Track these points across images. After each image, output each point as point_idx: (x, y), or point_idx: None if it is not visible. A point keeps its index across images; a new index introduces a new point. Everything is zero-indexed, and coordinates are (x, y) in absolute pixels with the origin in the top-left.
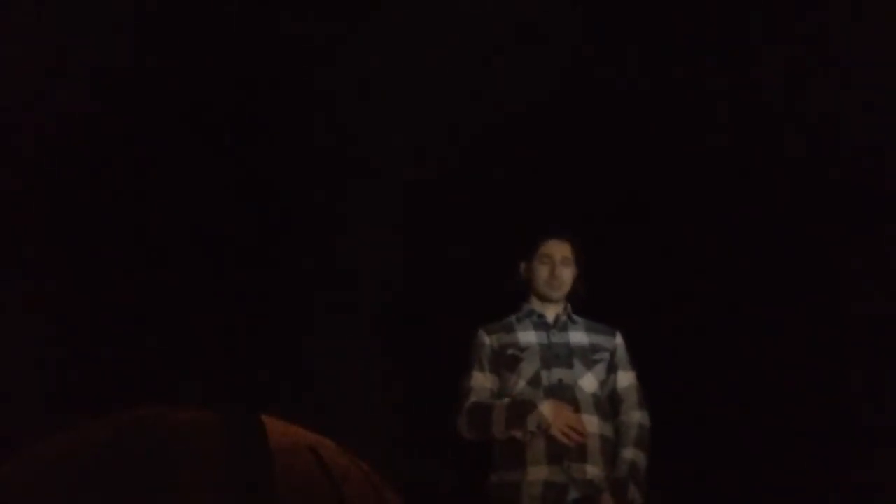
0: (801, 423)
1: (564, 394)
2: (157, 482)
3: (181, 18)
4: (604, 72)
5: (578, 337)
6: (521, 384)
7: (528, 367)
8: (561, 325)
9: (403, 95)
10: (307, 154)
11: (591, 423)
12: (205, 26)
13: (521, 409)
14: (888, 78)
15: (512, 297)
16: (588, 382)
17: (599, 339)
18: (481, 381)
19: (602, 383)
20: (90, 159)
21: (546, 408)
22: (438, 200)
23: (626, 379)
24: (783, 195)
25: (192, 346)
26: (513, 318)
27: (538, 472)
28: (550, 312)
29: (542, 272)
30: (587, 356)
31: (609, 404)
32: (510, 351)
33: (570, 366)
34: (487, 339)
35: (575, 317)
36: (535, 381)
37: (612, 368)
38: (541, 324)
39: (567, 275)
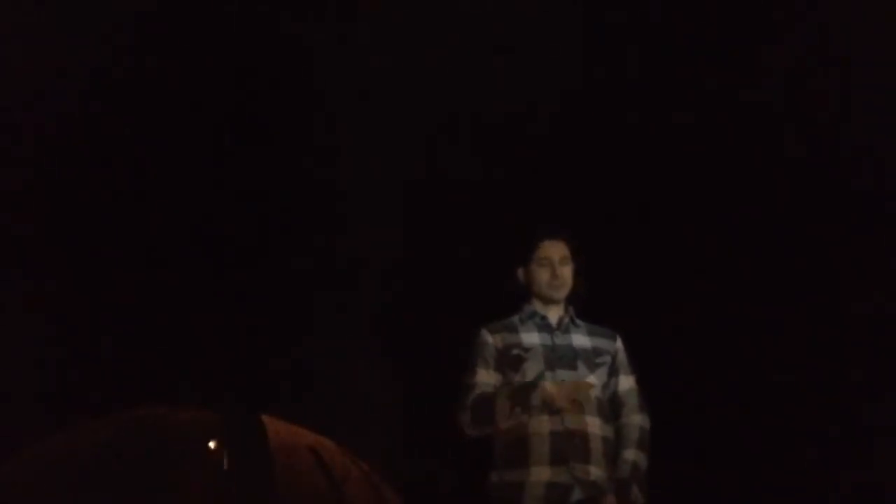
0: (800, 423)
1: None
2: (157, 482)
3: (181, 18)
4: (603, 72)
5: (581, 340)
6: (524, 385)
7: (533, 368)
8: (564, 328)
9: (403, 96)
10: (307, 154)
11: (594, 424)
12: (205, 26)
13: (524, 390)
14: (888, 78)
15: (512, 298)
16: None
17: (601, 343)
18: (485, 378)
19: (604, 386)
20: (90, 159)
21: (549, 384)
22: (438, 201)
23: (626, 382)
24: (783, 195)
25: (192, 346)
26: (515, 318)
27: (541, 473)
28: (553, 314)
29: (542, 275)
30: (590, 359)
31: (609, 407)
32: (514, 351)
33: (573, 368)
34: (491, 339)
35: (577, 320)
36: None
37: (613, 372)
38: (544, 325)
39: (568, 274)
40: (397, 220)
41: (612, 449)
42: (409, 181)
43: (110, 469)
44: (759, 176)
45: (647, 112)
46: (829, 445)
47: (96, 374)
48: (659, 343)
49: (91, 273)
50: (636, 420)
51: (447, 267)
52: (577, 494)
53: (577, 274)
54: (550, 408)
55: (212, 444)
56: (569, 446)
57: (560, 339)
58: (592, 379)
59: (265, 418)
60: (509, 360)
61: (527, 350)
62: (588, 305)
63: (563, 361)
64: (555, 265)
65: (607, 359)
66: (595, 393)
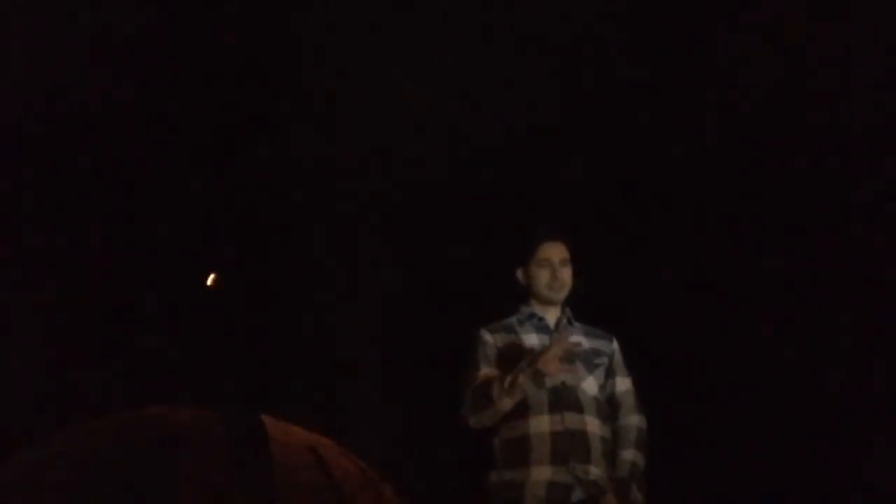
0: (800, 423)
1: (568, 396)
2: (157, 482)
3: (182, 18)
4: (604, 73)
5: (579, 341)
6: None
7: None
8: (562, 329)
9: (404, 96)
10: (308, 154)
11: (593, 424)
12: (205, 26)
13: (518, 367)
14: (888, 78)
15: (511, 299)
16: (589, 385)
17: (598, 344)
18: (487, 374)
19: (601, 387)
20: (90, 159)
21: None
22: (439, 201)
23: (623, 384)
24: (783, 196)
25: (192, 346)
26: (513, 319)
27: (542, 473)
28: (551, 316)
29: (542, 276)
30: (588, 360)
31: (607, 407)
32: (515, 352)
33: (573, 369)
34: (491, 338)
35: (574, 321)
36: (538, 383)
37: (610, 373)
38: (542, 327)
39: (567, 275)
40: (398, 221)
41: (611, 449)
42: (409, 182)
43: (110, 469)
44: (759, 176)
45: (648, 113)
46: (828, 445)
47: (96, 374)
48: (657, 344)
49: (91, 273)
50: (634, 421)
51: (448, 267)
52: (577, 494)
53: (575, 275)
54: (539, 371)
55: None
56: (569, 446)
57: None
58: (591, 382)
59: (265, 418)
60: (510, 361)
61: (526, 351)
62: (586, 306)
63: (561, 362)
64: (555, 267)
65: (604, 360)
66: (593, 393)
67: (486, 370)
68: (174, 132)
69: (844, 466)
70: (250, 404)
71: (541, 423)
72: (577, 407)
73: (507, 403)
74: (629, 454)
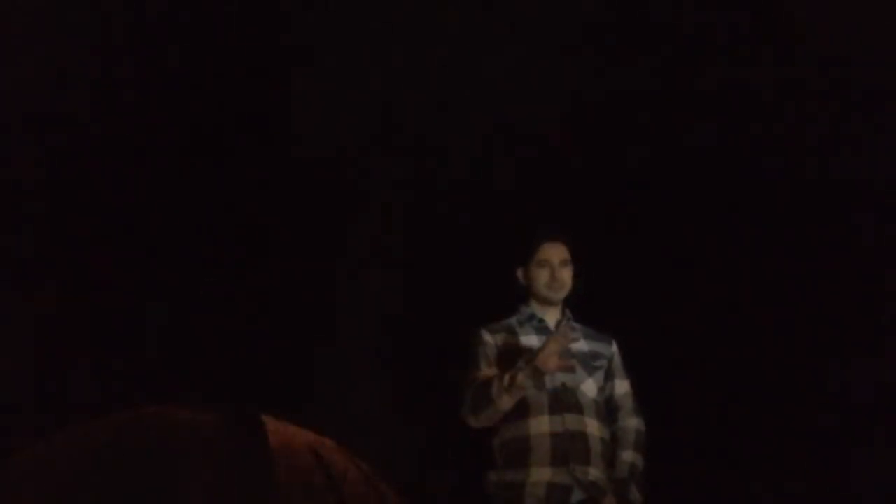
0: (799, 423)
1: (568, 397)
2: (157, 482)
3: (182, 18)
4: (604, 74)
5: (579, 343)
6: (525, 385)
7: None
8: (560, 328)
9: (404, 97)
10: (308, 155)
11: (593, 426)
12: (206, 27)
13: (515, 368)
14: (888, 77)
15: (511, 299)
16: (589, 387)
17: (598, 347)
18: (487, 373)
19: (601, 389)
20: (90, 159)
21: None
22: (439, 202)
23: (622, 386)
24: (783, 197)
25: (192, 346)
26: (513, 320)
27: (542, 474)
28: (551, 317)
29: (542, 276)
30: (588, 362)
31: (606, 410)
32: (514, 353)
33: (572, 370)
34: (491, 339)
35: (574, 323)
36: (538, 384)
37: (609, 376)
38: (542, 328)
39: (567, 276)
40: (398, 221)
41: (610, 450)
42: (409, 182)
43: (110, 469)
44: (759, 177)
45: (648, 112)
46: (828, 446)
47: (96, 374)
48: (656, 345)
49: (91, 273)
50: (632, 423)
51: (448, 267)
52: (577, 495)
53: (575, 276)
54: (538, 370)
55: None
56: (569, 447)
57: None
58: (590, 384)
59: (265, 418)
60: (510, 362)
61: (527, 352)
62: (586, 308)
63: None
64: (554, 267)
65: (604, 363)
66: (592, 395)
67: (485, 370)
68: (174, 132)
69: (844, 466)
70: (250, 404)
71: (541, 425)
72: (577, 409)
73: (506, 402)
74: (628, 455)
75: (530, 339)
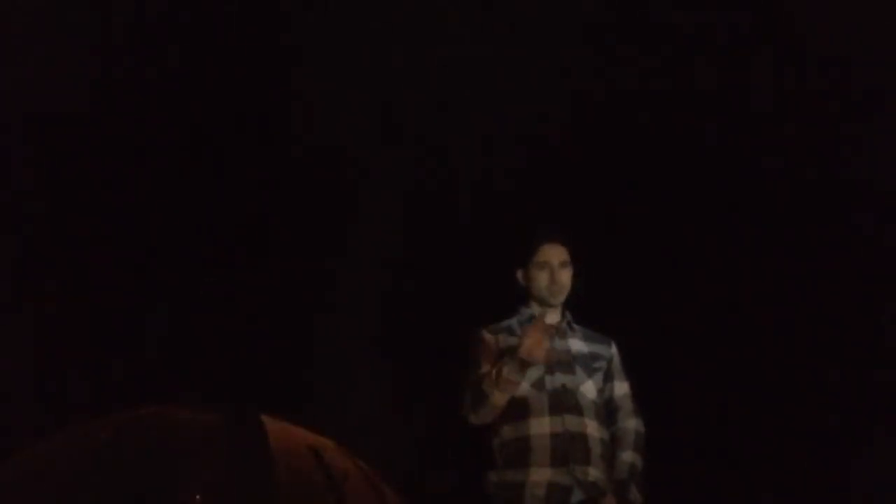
0: (798, 423)
1: (567, 398)
2: (157, 482)
3: (182, 17)
4: (603, 76)
5: (578, 345)
6: (524, 387)
7: (533, 371)
8: (561, 332)
9: (404, 98)
10: (309, 155)
11: (593, 427)
12: (206, 26)
13: (502, 362)
14: (888, 78)
15: (511, 300)
16: (589, 389)
17: (597, 348)
18: (487, 371)
19: (600, 390)
20: (90, 159)
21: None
22: (439, 202)
23: (621, 388)
24: (782, 197)
25: (193, 346)
26: (513, 321)
27: (542, 474)
28: (550, 318)
29: (541, 278)
30: (588, 364)
31: (605, 411)
32: (513, 353)
33: (572, 372)
34: (492, 338)
35: (573, 325)
36: (539, 385)
37: (608, 377)
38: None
39: (566, 278)
40: (398, 222)
41: (609, 451)
42: (409, 183)
43: (110, 469)
44: (759, 177)
45: (648, 114)
46: (827, 446)
47: (96, 374)
48: (655, 346)
49: (91, 273)
50: (632, 424)
51: (448, 268)
52: (577, 495)
53: (575, 277)
54: (523, 361)
55: None
56: (569, 448)
57: (558, 344)
58: (590, 385)
59: (265, 418)
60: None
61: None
62: (586, 310)
63: (561, 365)
64: (554, 269)
65: (603, 364)
66: (592, 397)
67: (486, 369)
68: (173, 132)
69: (844, 466)
70: (250, 404)
71: (541, 425)
72: (577, 410)
73: (499, 398)
74: (628, 456)
75: None
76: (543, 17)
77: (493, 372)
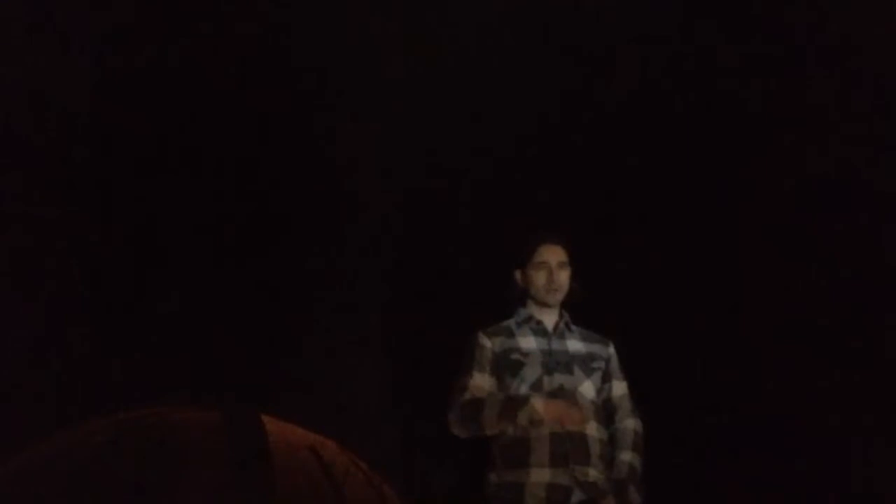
0: (797, 423)
1: (566, 399)
2: (157, 482)
3: (182, 17)
4: (601, 76)
5: (576, 345)
6: (523, 388)
7: (531, 372)
8: (559, 333)
9: (403, 98)
10: (308, 155)
11: (591, 427)
12: (207, 25)
13: (514, 404)
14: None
15: (510, 301)
16: (587, 389)
17: (595, 349)
18: (479, 382)
19: (598, 391)
20: (90, 158)
21: (538, 402)
22: (439, 203)
23: (619, 388)
24: (781, 198)
25: (193, 346)
26: (511, 322)
27: (542, 474)
28: (548, 319)
29: (539, 279)
30: (586, 364)
31: (603, 411)
32: (513, 355)
33: (570, 372)
34: (488, 342)
35: (571, 325)
36: (537, 386)
37: (606, 377)
38: (540, 330)
39: (564, 279)
40: (398, 221)
41: (608, 451)
42: (409, 183)
43: (110, 469)
44: (758, 177)
45: (646, 115)
46: (827, 445)
47: (96, 374)
48: (654, 346)
49: (91, 273)
50: (630, 424)
51: (447, 268)
52: (577, 496)
53: (573, 279)
54: (537, 425)
55: None
56: (569, 448)
57: (556, 344)
58: (588, 385)
59: (265, 418)
60: (508, 365)
61: (525, 355)
62: (584, 310)
63: (559, 366)
64: (552, 269)
65: (601, 364)
66: (590, 397)
67: (477, 377)
68: (175, 132)
69: (844, 467)
70: (250, 404)
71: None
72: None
73: (494, 430)
74: (627, 456)
75: (528, 342)
76: (544, 18)
77: (504, 423)
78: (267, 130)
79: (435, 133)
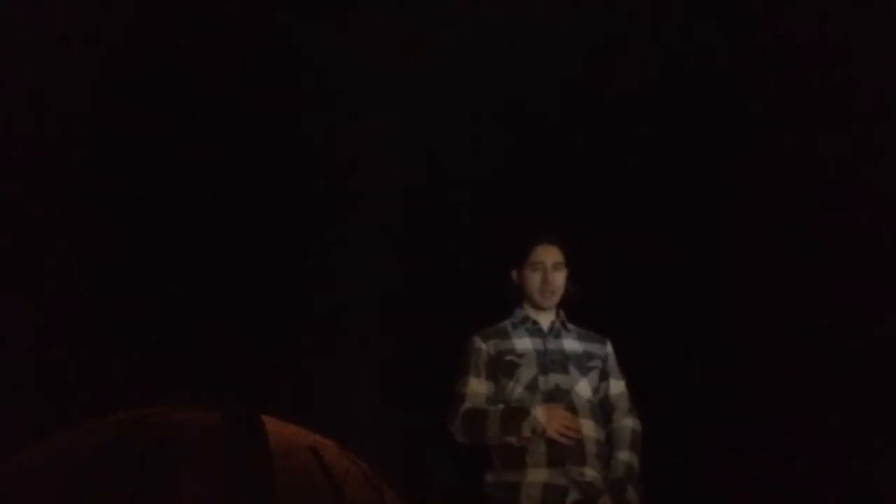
0: (797, 422)
1: (562, 399)
2: (157, 482)
3: (182, 17)
4: (600, 77)
5: (572, 344)
6: (518, 389)
7: (526, 373)
8: (555, 333)
9: (402, 99)
10: (307, 155)
11: (588, 426)
12: (206, 24)
13: (516, 416)
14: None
15: (507, 302)
16: (583, 388)
17: (592, 347)
18: (476, 387)
19: (595, 390)
20: (89, 157)
21: (539, 412)
22: (439, 203)
23: (617, 386)
24: (780, 198)
25: (193, 346)
26: (507, 323)
27: (538, 475)
28: (544, 319)
29: (534, 279)
30: (582, 363)
31: (601, 410)
32: (508, 357)
33: (566, 372)
34: (483, 345)
35: (568, 324)
36: (532, 387)
37: (603, 376)
38: (535, 331)
39: (559, 280)
40: (398, 221)
41: (605, 451)
42: (409, 183)
43: (110, 469)
44: (757, 178)
45: (646, 115)
46: (825, 446)
47: (96, 374)
48: (653, 345)
49: (91, 273)
50: (628, 423)
51: (447, 268)
52: (573, 496)
53: (570, 280)
54: (540, 436)
55: None
56: (565, 448)
57: (552, 344)
58: (584, 385)
59: (265, 418)
60: (503, 366)
61: (520, 356)
62: (581, 309)
63: (555, 366)
64: (547, 270)
65: (598, 363)
66: (586, 396)
67: (474, 383)
68: (174, 132)
69: (844, 467)
70: (250, 404)
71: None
72: (572, 410)
73: (497, 440)
74: (624, 455)
75: (524, 342)
76: (542, 16)
77: (507, 437)
78: (267, 130)
79: (435, 133)
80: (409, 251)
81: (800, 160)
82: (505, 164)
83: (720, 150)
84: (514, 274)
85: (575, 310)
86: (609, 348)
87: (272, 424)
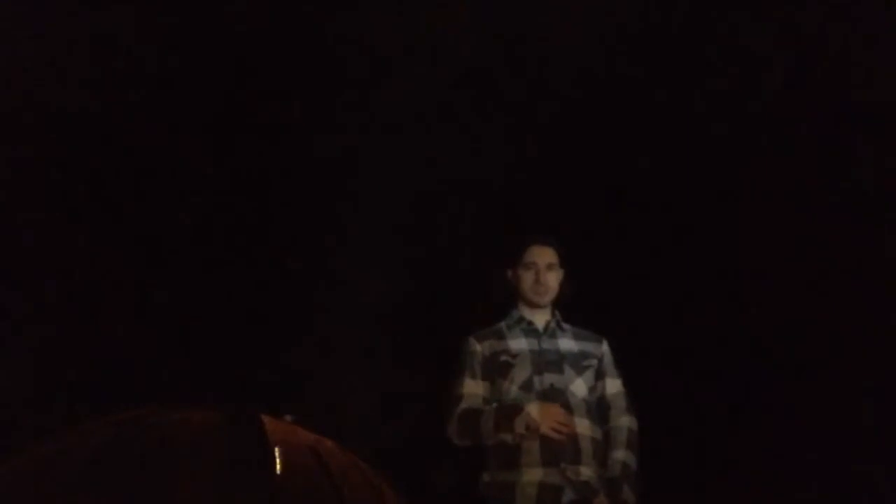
0: (796, 422)
1: (557, 398)
2: (157, 482)
3: (181, 15)
4: (598, 77)
5: (568, 344)
6: (513, 389)
7: (521, 373)
8: (550, 332)
9: (402, 99)
10: (308, 155)
11: (583, 426)
12: (206, 23)
13: (509, 412)
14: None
15: (505, 302)
16: (578, 387)
17: (587, 346)
18: (472, 388)
19: (591, 389)
20: (89, 158)
21: (533, 409)
22: (438, 203)
23: (613, 386)
24: (780, 198)
25: (192, 346)
26: (502, 324)
27: (533, 474)
28: (539, 319)
29: (527, 279)
30: (577, 362)
31: (597, 409)
32: (502, 357)
33: (561, 371)
34: (479, 346)
35: (563, 324)
36: (527, 386)
37: (599, 375)
38: (530, 331)
39: (552, 280)
40: (398, 221)
41: (601, 450)
42: (409, 183)
43: (110, 469)
44: (757, 177)
45: (646, 115)
46: (825, 444)
47: (96, 374)
48: (652, 345)
49: (91, 272)
50: (624, 422)
51: (447, 268)
52: (568, 495)
53: (564, 280)
54: (536, 433)
55: None
56: (560, 447)
57: (547, 344)
58: (580, 384)
59: (265, 418)
60: (498, 367)
61: (514, 356)
62: (577, 308)
63: (550, 365)
64: (540, 270)
65: (593, 362)
66: (582, 395)
67: (470, 384)
68: (174, 132)
69: (844, 467)
70: (250, 404)
71: None
72: (567, 409)
73: (494, 441)
74: (620, 454)
75: (519, 343)
76: (543, 21)
77: (501, 434)
78: (267, 130)
79: (435, 133)
80: (410, 252)
81: (800, 160)
82: (505, 164)
83: (720, 151)
84: (508, 274)
85: (572, 309)
86: (605, 347)
87: (272, 424)
